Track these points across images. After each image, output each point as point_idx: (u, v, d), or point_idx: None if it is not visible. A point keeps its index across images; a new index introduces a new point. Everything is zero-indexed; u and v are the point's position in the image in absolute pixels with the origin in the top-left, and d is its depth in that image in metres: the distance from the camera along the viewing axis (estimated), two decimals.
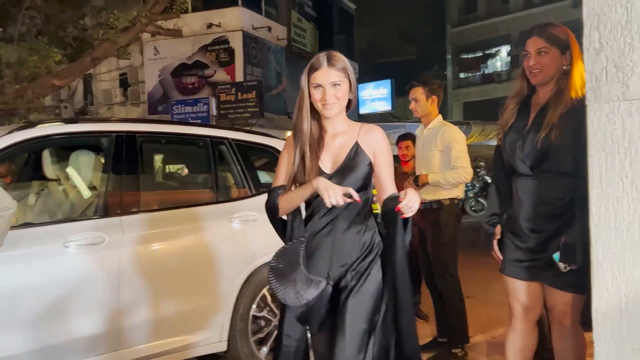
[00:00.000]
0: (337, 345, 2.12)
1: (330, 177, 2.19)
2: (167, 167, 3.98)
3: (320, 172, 2.22)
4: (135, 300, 3.22)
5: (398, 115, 23.05)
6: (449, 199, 3.77)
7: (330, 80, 2.19)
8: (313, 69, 2.21)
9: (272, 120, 15.69)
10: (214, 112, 14.97)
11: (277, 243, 3.61)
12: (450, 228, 3.79)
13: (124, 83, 18.25)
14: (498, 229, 2.64)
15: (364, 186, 2.25)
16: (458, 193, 3.82)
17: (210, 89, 16.19)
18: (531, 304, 2.55)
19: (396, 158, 4.16)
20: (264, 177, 4.23)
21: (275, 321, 3.82)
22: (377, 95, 22.83)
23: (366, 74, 24.43)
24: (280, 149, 3.45)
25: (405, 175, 4.55)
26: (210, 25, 16.40)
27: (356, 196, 2.07)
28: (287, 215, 2.31)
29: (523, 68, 2.51)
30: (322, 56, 2.23)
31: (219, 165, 3.95)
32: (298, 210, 2.30)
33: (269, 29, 17.51)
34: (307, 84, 2.22)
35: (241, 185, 3.94)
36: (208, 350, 3.65)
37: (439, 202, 3.76)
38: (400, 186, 3.87)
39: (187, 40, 16.07)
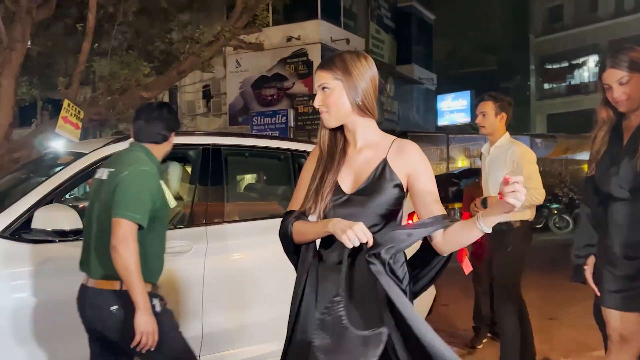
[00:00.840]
0: None
1: (348, 199, 1.85)
2: (249, 179, 4.07)
3: (337, 192, 1.86)
4: (218, 307, 3.30)
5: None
6: (519, 221, 3.58)
7: (319, 84, 1.88)
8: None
9: None
10: (292, 123, 15.22)
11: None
12: (518, 252, 3.61)
13: (206, 95, 18.91)
14: (591, 259, 2.53)
15: (389, 214, 1.85)
16: (529, 215, 3.62)
17: (289, 100, 16.48)
18: (629, 335, 2.41)
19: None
20: None
21: None
22: (456, 107, 22.45)
23: (445, 85, 24.07)
24: None
25: (474, 189, 4.42)
26: (290, 39, 16.72)
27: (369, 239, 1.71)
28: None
29: (605, 97, 2.43)
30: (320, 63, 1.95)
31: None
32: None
33: (347, 41, 17.63)
34: None
35: None
36: None
37: (508, 224, 3.57)
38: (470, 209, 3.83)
39: (268, 53, 16.46)
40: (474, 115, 4.39)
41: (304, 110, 15.30)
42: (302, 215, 1.92)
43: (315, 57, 16.58)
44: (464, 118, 21.91)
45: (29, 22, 8.13)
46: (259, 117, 15.69)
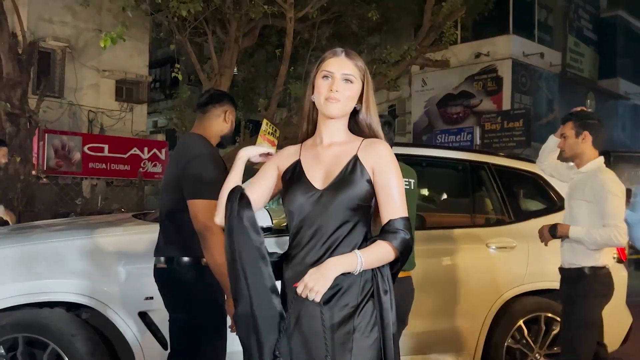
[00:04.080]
0: None
1: (320, 195, 1.81)
2: (427, 188, 4.14)
3: (309, 188, 1.84)
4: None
5: None
6: (592, 267, 2.96)
7: (343, 72, 1.84)
8: (326, 56, 1.89)
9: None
10: (477, 141, 14.84)
11: (538, 273, 3.45)
12: (589, 306, 2.96)
13: (392, 114, 19.28)
14: None
15: (361, 210, 1.81)
16: (605, 260, 2.99)
17: (475, 118, 16.10)
18: None
19: None
20: (526, 204, 4.10)
21: (532, 355, 3.65)
22: None
23: None
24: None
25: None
26: (478, 55, 16.37)
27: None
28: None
29: None
30: (339, 49, 1.90)
31: (478, 189, 3.96)
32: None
33: (542, 55, 16.75)
34: (314, 77, 1.89)
35: (499, 211, 3.89)
36: None
37: (580, 270, 2.99)
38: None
39: (454, 70, 16.28)
40: None
41: (491, 127, 14.84)
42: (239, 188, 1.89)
43: (506, 73, 16.02)
44: None
45: (235, 50, 9.12)
46: (444, 135, 15.56)
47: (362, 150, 1.85)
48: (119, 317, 2.98)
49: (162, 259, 2.60)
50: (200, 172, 2.51)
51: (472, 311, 3.58)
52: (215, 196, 2.41)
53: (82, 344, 2.91)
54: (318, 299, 1.69)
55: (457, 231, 3.71)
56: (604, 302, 2.99)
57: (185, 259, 2.55)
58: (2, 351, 2.89)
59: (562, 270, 3.11)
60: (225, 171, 2.54)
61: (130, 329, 2.97)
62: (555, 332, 3.65)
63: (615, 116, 20.51)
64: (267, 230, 3.07)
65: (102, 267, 3.01)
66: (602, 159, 3.10)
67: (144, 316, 2.97)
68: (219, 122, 2.76)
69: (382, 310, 1.77)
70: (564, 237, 3.03)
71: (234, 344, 2.52)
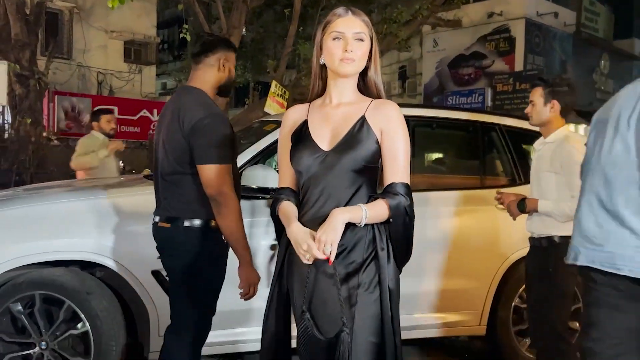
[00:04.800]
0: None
1: (326, 156, 1.83)
2: (436, 150, 4.13)
3: (315, 150, 1.85)
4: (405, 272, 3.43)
5: None
6: (563, 236, 2.83)
7: (354, 31, 1.83)
8: (332, 18, 1.87)
9: None
10: (489, 103, 14.69)
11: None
12: (561, 275, 2.85)
13: (402, 75, 19.07)
14: None
15: (366, 172, 1.83)
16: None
17: (487, 79, 15.91)
18: None
19: None
20: None
21: None
22: None
23: None
24: None
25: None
26: (491, 14, 16.07)
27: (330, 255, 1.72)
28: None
29: None
30: (343, 8, 1.88)
31: (488, 151, 3.95)
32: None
33: (555, 14, 16.41)
34: (321, 39, 1.89)
35: (510, 173, 3.89)
36: (466, 332, 3.72)
37: (549, 239, 2.91)
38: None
39: (466, 31, 16.03)
40: None
41: (502, 88, 14.67)
42: (292, 193, 1.94)
43: (519, 33, 15.75)
44: None
45: (244, 10, 9.01)
46: (454, 97, 15.41)
47: (371, 111, 1.86)
48: (132, 275, 3.03)
49: (165, 218, 2.54)
50: (211, 136, 2.43)
51: (481, 272, 3.61)
52: (227, 160, 2.41)
53: (97, 301, 2.98)
54: (328, 249, 1.71)
55: (466, 193, 3.72)
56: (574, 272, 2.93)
57: (193, 221, 2.48)
58: (20, 308, 2.97)
59: (531, 239, 3.01)
60: (231, 129, 2.50)
61: (143, 287, 3.03)
62: None
63: (630, 78, 20.18)
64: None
65: (115, 226, 3.05)
66: (568, 127, 2.97)
67: (157, 275, 3.02)
68: (213, 72, 2.60)
69: (379, 267, 1.80)
70: (533, 211, 2.95)
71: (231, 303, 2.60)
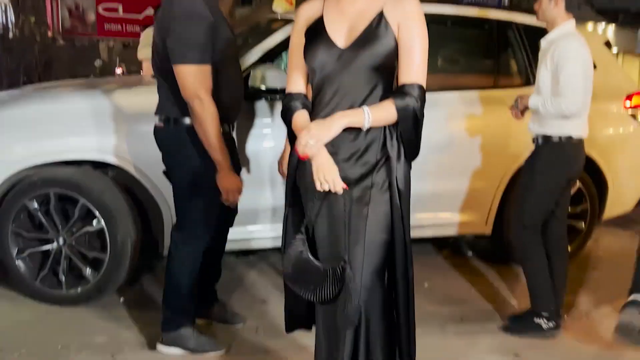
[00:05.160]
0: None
1: (342, 53, 1.76)
2: (449, 49, 4.01)
3: (330, 47, 1.78)
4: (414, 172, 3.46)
5: None
6: (558, 136, 2.86)
7: None
8: None
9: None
10: (506, 1, 14.09)
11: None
12: (546, 176, 2.89)
13: None
14: None
15: (383, 70, 1.76)
16: (574, 130, 2.86)
17: None
18: None
19: None
20: None
21: None
22: None
23: None
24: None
25: None
26: None
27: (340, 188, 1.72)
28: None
29: None
30: None
31: (503, 49, 3.84)
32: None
33: None
34: None
35: (524, 73, 3.80)
36: (472, 230, 3.80)
37: (542, 137, 2.91)
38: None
39: None
40: None
41: None
42: (304, 100, 1.87)
43: None
44: None
45: None
46: None
47: (389, 5, 1.76)
48: (145, 175, 3.08)
49: (160, 118, 2.54)
50: (184, 33, 2.33)
51: (490, 172, 3.63)
52: (198, 61, 2.31)
53: (110, 200, 3.04)
54: (316, 146, 1.70)
55: (479, 93, 3.65)
56: (561, 173, 2.91)
57: (183, 119, 2.47)
58: (36, 205, 3.05)
59: (533, 140, 3.02)
60: (214, 27, 2.39)
61: (156, 186, 3.08)
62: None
63: None
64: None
65: (126, 126, 3.06)
66: (570, 23, 2.88)
67: (167, 175, 3.06)
68: None
69: (390, 168, 1.79)
70: (526, 108, 2.95)
71: None
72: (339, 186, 1.72)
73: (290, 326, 2.08)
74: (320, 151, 1.72)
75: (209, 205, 2.57)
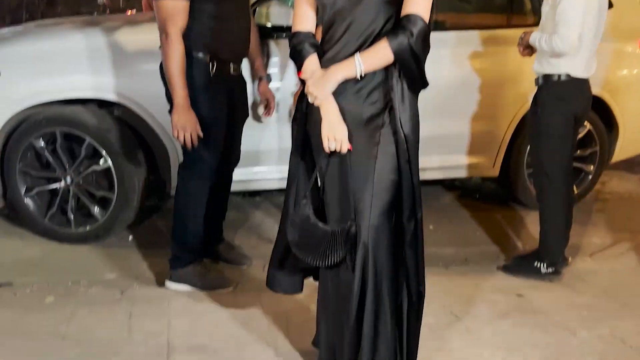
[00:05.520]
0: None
1: None
2: None
3: None
4: (422, 114, 3.42)
5: None
6: (557, 74, 2.78)
7: None
8: None
9: None
10: None
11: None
12: (545, 114, 2.83)
13: None
14: None
15: (393, 1, 1.70)
16: (572, 69, 2.76)
17: None
18: None
19: None
20: None
21: None
22: None
23: None
24: None
25: None
26: None
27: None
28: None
29: None
30: None
31: None
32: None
33: None
34: None
35: (537, 11, 3.67)
36: (480, 173, 3.79)
37: (545, 77, 2.83)
38: None
39: None
40: None
41: None
42: (314, 41, 1.79)
43: None
44: None
45: None
46: None
47: None
48: (150, 114, 3.05)
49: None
50: None
51: (499, 114, 3.58)
52: None
53: (116, 139, 3.03)
54: (316, 103, 1.71)
55: (490, 32, 3.55)
56: (563, 112, 2.83)
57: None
58: (42, 144, 3.05)
59: (535, 82, 2.95)
60: None
61: (162, 126, 3.06)
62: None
63: None
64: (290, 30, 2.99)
65: (132, 64, 3.02)
66: None
67: None
68: None
69: (394, 109, 1.75)
70: (527, 44, 2.88)
71: None
72: (345, 146, 1.72)
73: (272, 283, 2.09)
74: (330, 106, 1.72)
75: (211, 141, 2.56)
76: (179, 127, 2.46)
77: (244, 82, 2.78)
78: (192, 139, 2.48)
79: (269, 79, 2.92)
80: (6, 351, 2.25)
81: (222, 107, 2.60)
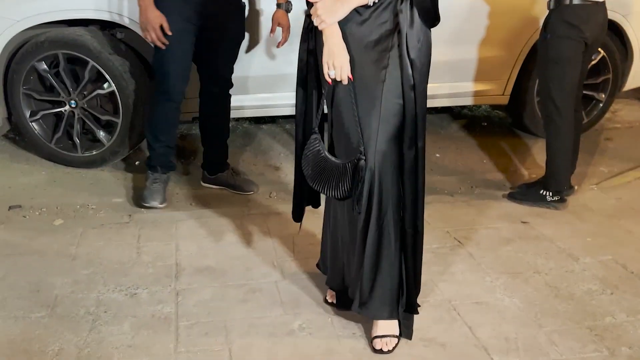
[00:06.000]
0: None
1: None
2: None
3: None
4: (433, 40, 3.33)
5: None
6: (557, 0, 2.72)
7: None
8: None
9: None
10: None
11: None
12: (558, 41, 2.74)
13: None
14: None
15: None
16: None
17: None
18: None
19: None
20: None
21: None
22: None
23: None
24: None
25: None
26: None
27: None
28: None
29: None
30: None
31: None
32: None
33: None
34: None
35: None
36: (491, 101, 3.74)
37: (557, 0, 2.73)
38: None
39: None
40: None
41: None
42: None
43: None
44: None
45: None
46: None
47: None
48: None
49: None
50: None
51: (510, 41, 3.48)
52: None
53: (119, 62, 2.98)
54: (321, 27, 1.66)
55: None
56: (575, 36, 2.72)
57: None
58: (45, 67, 3.01)
59: (547, 6, 2.84)
60: None
61: None
62: None
63: None
64: None
65: None
66: None
67: None
68: None
69: (400, 33, 1.70)
70: None
71: None
72: (345, 74, 1.69)
73: (299, 215, 2.10)
74: (333, 31, 1.67)
75: (163, 55, 2.60)
76: (142, 28, 2.55)
77: (235, 2, 2.73)
78: (159, 37, 2.53)
79: (287, 7, 2.82)
80: (19, 269, 2.30)
81: (178, 19, 2.55)
